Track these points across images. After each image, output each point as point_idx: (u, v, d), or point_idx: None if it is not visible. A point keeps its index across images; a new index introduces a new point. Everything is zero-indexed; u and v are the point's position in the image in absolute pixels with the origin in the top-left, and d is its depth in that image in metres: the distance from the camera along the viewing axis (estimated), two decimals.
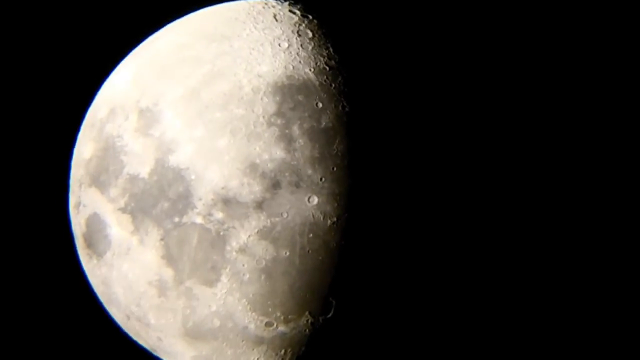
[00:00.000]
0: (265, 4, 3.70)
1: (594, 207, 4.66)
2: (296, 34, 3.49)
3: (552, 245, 4.45)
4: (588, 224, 4.63)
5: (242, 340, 3.41)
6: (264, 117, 3.27)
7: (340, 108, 3.31)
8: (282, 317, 3.34)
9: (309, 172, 3.23)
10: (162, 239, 3.34)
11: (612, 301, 4.60)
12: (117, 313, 3.70)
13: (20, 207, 4.68)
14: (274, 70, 3.35)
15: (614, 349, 4.51)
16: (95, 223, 3.55)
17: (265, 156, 3.24)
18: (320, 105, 3.30)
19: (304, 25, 3.55)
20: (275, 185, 3.22)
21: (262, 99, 3.29)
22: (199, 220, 3.27)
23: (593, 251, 4.63)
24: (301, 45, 3.44)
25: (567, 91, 4.74)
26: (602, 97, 4.77)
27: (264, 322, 3.36)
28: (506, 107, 3.97)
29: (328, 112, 3.29)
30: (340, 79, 3.37)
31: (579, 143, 4.68)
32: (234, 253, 3.26)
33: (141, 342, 3.74)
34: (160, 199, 3.32)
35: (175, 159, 3.31)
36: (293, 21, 3.56)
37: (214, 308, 3.35)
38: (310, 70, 3.36)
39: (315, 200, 3.23)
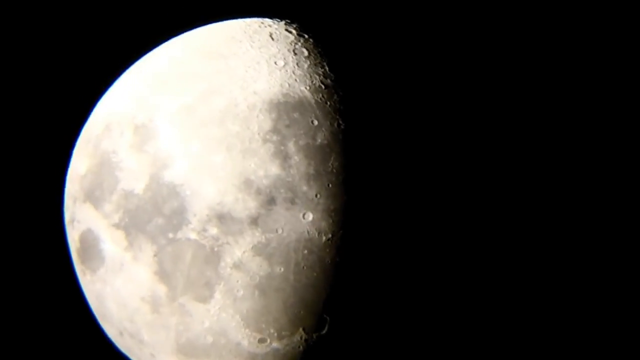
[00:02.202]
0: (262, 23, 3.73)
1: (594, 207, 4.67)
2: (292, 53, 3.51)
3: (545, 247, 4.46)
4: (588, 224, 4.64)
5: (235, 357, 3.39)
6: (259, 133, 3.28)
7: (335, 125, 3.32)
8: (275, 334, 3.33)
9: (304, 188, 3.24)
10: (155, 255, 3.33)
11: (612, 301, 4.60)
12: (110, 329, 3.67)
13: (17, 221, 4.67)
14: (269, 88, 3.36)
15: (614, 349, 4.49)
16: (89, 239, 3.54)
17: (261, 172, 3.24)
18: (315, 122, 3.31)
19: (299, 44, 3.57)
20: (270, 201, 3.23)
21: (257, 116, 3.31)
22: (193, 236, 3.27)
23: (593, 251, 4.63)
24: (297, 64, 3.47)
25: (557, 92, 4.77)
26: (602, 97, 4.80)
27: (258, 339, 3.34)
28: (502, 120, 4.00)
29: (323, 129, 3.30)
30: (335, 97, 3.39)
31: (578, 143, 4.70)
32: (228, 269, 3.25)
33: (134, 358, 3.71)
34: (154, 215, 3.32)
35: (170, 175, 3.31)
36: (289, 40, 3.59)
37: (207, 324, 3.33)
38: (305, 88, 3.38)
39: (310, 216, 3.23)
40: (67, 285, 3.92)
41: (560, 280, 4.57)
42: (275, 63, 3.45)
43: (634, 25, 4.79)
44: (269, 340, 3.35)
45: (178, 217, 3.28)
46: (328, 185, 3.25)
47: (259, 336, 3.33)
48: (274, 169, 3.24)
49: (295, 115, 3.32)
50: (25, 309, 4.59)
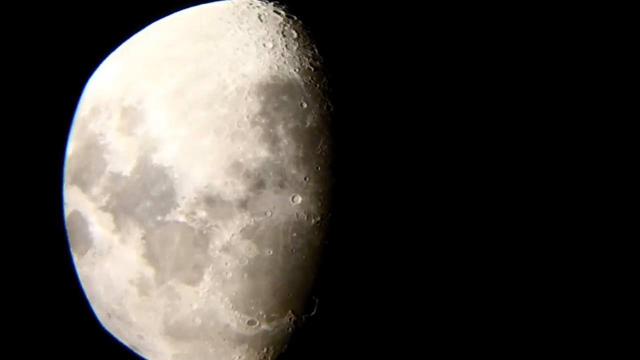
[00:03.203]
0: (250, 4, 3.71)
1: (594, 207, 4.69)
2: (281, 35, 3.50)
3: (537, 246, 4.49)
4: (588, 224, 4.66)
5: (224, 339, 3.41)
6: (248, 116, 3.27)
7: (324, 108, 3.32)
8: (264, 316, 3.34)
9: (293, 171, 3.24)
10: (144, 238, 3.33)
11: (612, 301, 4.64)
12: (98, 311, 3.67)
13: (12, 207, 4.63)
14: (258, 70, 3.35)
15: (614, 349, 4.54)
16: (76, 221, 3.53)
17: (249, 155, 3.24)
18: (304, 105, 3.31)
19: (288, 25, 3.56)
20: (259, 184, 3.23)
21: (246, 98, 3.30)
22: (181, 219, 3.27)
23: (593, 251, 4.66)
24: (286, 46, 3.45)
25: (555, 92, 4.78)
26: (602, 97, 4.81)
27: (247, 321, 3.35)
28: (493, 103, 4.00)
29: (313, 112, 3.30)
30: (325, 79, 3.38)
31: (575, 143, 4.72)
32: (217, 252, 3.26)
33: (122, 340, 3.72)
34: (142, 198, 3.31)
35: (159, 158, 3.30)
36: (278, 22, 3.57)
37: (195, 307, 3.34)
38: (295, 70, 3.37)
39: (299, 199, 3.24)
40: (56, 268, 3.91)
41: (561, 281, 4.61)
42: (264, 45, 3.44)
43: (634, 25, 4.80)
44: (258, 322, 3.36)
45: (166, 200, 3.27)
46: (317, 168, 3.26)
47: (248, 318, 3.35)
48: (263, 152, 3.24)
49: (284, 97, 3.31)
50: (14, 291, 4.58)
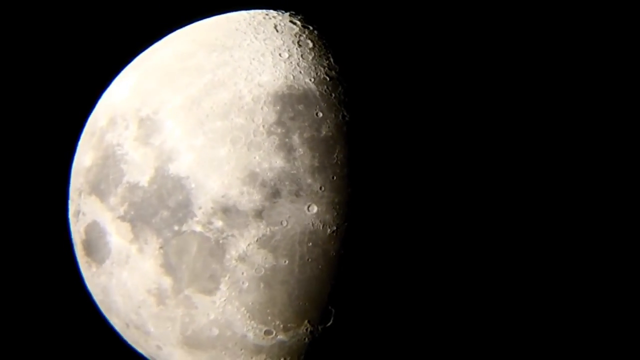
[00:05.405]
0: (266, 14, 3.72)
1: (594, 207, 4.66)
2: (297, 45, 3.50)
3: (551, 246, 4.46)
4: (588, 224, 4.63)
5: (241, 349, 3.41)
6: (264, 126, 3.28)
7: (340, 118, 3.32)
8: (281, 326, 3.34)
9: (309, 181, 3.24)
10: (161, 248, 3.34)
11: (612, 301, 4.60)
12: (116, 321, 3.69)
13: (20, 214, 4.68)
14: (274, 80, 3.36)
15: (614, 349, 4.50)
16: (94, 231, 3.55)
17: (265, 165, 3.24)
18: (320, 114, 3.31)
19: (304, 35, 3.57)
20: (275, 194, 3.23)
21: (262, 108, 3.30)
22: (198, 228, 3.27)
23: (593, 251, 4.63)
24: (302, 56, 3.46)
25: (567, 91, 4.75)
26: (602, 97, 4.78)
27: (263, 331, 3.35)
28: (506, 113, 3.99)
29: (328, 121, 3.30)
30: (340, 89, 3.38)
31: (579, 143, 4.69)
32: (234, 262, 3.26)
33: (140, 350, 3.73)
34: (159, 208, 3.33)
35: (175, 168, 3.31)
36: (294, 32, 3.58)
37: (212, 316, 3.35)
38: (310, 80, 3.38)
39: (314, 209, 3.24)
40: (71, 278, 3.93)
41: (561, 281, 4.58)
42: (280, 55, 3.45)
43: (634, 25, 4.77)
44: (274, 333, 3.36)
45: (183, 210, 3.28)
46: (332, 177, 3.25)
47: (264, 328, 3.34)
48: (279, 162, 3.24)
49: (300, 107, 3.31)
50: (29, 303, 4.61)
